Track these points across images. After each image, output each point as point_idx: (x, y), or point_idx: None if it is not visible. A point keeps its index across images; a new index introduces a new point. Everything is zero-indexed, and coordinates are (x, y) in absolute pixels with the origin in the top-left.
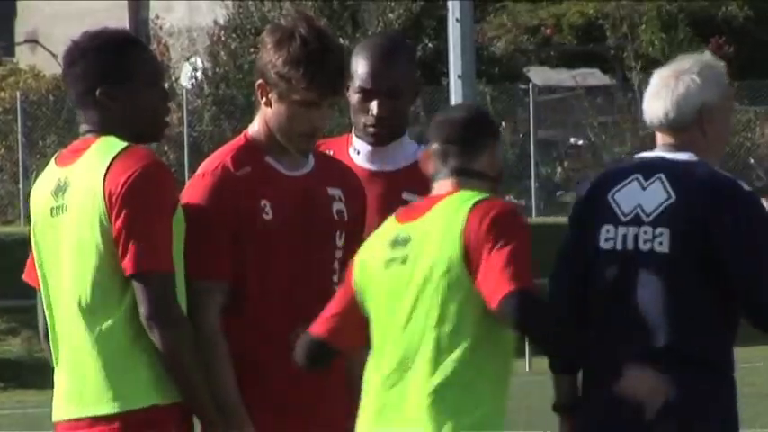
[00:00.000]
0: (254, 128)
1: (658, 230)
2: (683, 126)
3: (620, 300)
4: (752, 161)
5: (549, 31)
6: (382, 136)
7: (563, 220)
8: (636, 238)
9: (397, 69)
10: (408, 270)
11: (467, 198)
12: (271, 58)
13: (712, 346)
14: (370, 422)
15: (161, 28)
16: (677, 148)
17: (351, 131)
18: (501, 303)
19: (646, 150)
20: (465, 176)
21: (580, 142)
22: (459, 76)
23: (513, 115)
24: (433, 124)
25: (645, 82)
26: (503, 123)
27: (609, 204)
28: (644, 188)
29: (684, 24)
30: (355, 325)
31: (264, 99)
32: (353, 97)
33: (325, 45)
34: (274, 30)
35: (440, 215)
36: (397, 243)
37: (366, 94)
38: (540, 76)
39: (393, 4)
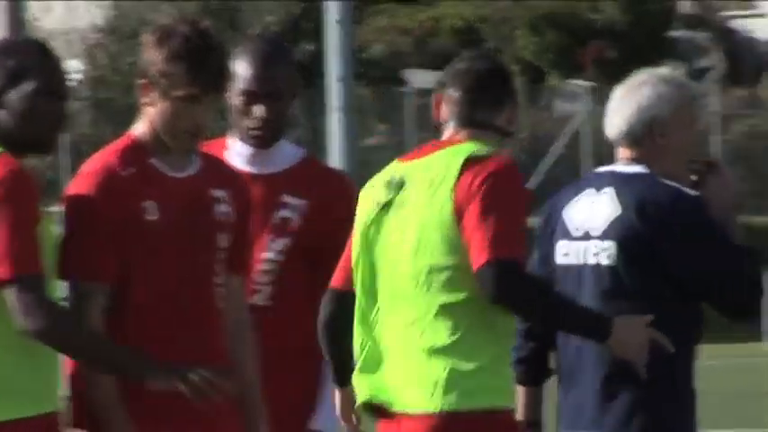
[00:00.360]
0: (139, 129)
1: (606, 243)
2: (635, 140)
3: None
4: None
5: (426, 33)
6: (265, 138)
7: None
8: (586, 251)
9: (280, 72)
10: (400, 218)
11: (465, 149)
12: (152, 56)
13: (661, 357)
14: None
15: (39, 29)
16: (632, 161)
17: (228, 134)
18: (478, 272)
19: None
20: (481, 128)
21: None
22: (338, 79)
23: (391, 118)
24: (457, 71)
25: (522, 85)
26: (381, 126)
27: (563, 220)
28: (594, 202)
29: (555, 29)
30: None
31: (147, 99)
32: (236, 100)
33: (206, 42)
34: (156, 29)
35: (437, 163)
36: (391, 185)
37: (249, 97)
38: (418, 78)
39: (272, 6)
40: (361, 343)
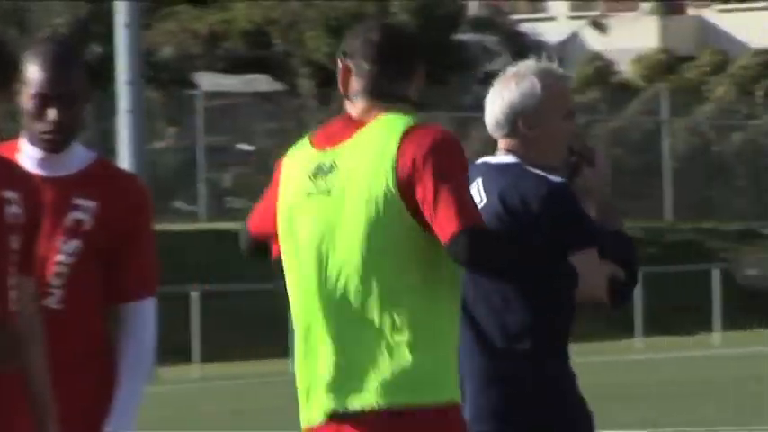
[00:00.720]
0: None
1: None
2: (505, 132)
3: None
4: None
5: (216, 36)
6: (57, 142)
7: (232, 225)
8: None
9: (72, 74)
10: (336, 204)
11: (397, 123)
12: None
13: (538, 340)
14: (305, 381)
15: None
16: (507, 152)
17: (20, 137)
18: (450, 243)
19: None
20: (395, 100)
21: (249, 148)
22: (127, 82)
23: (181, 121)
24: (360, 40)
25: (313, 88)
26: (170, 129)
27: None
28: None
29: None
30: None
31: None
32: (28, 103)
33: None
34: None
35: (368, 142)
36: (320, 172)
37: (42, 100)
38: (208, 81)
39: (60, 8)
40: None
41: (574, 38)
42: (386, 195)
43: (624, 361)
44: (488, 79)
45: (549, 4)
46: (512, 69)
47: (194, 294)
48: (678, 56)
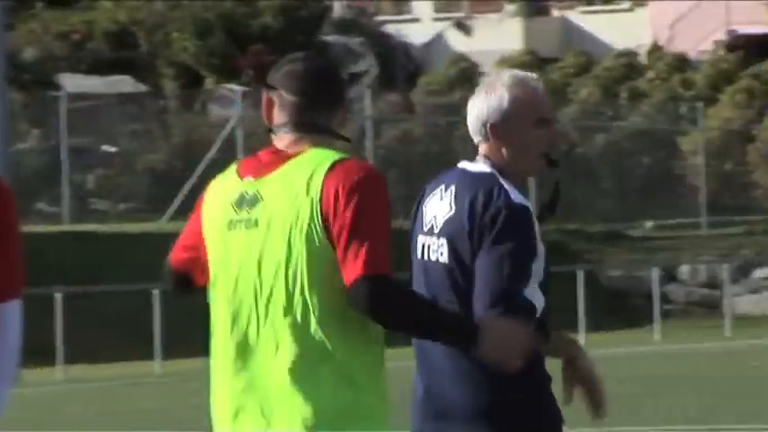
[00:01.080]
0: None
1: (441, 241)
2: (479, 139)
3: None
4: None
5: (78, 35)
6: None
7: (95, 227)
8: (430, 247)
9: None
10: (260, 236)
11: (324, 157)
12: None
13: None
14: (226, 413)
15: None
16: (483, 159)
17: None
18: (350, 288)
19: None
20: (320, 133)
21: (113, 149)
22: None
23: (44, 122)
24: (284, 72)
25: (177, 89)
26: (34, 131)
27: (421, 215)
28: (441, 198)
29: (221, 31)
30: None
31: None
32: None
33: None
34: None
35: (294, 174)
36: (244, 203)
37: None
38: (71, 82)
39: None
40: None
41: (438, 39)
42: (311, 229)
43: None
44: (352, 81)
45: (414, 5)
46: (489, 78)
47: (58, 296)
48: (542, 57)
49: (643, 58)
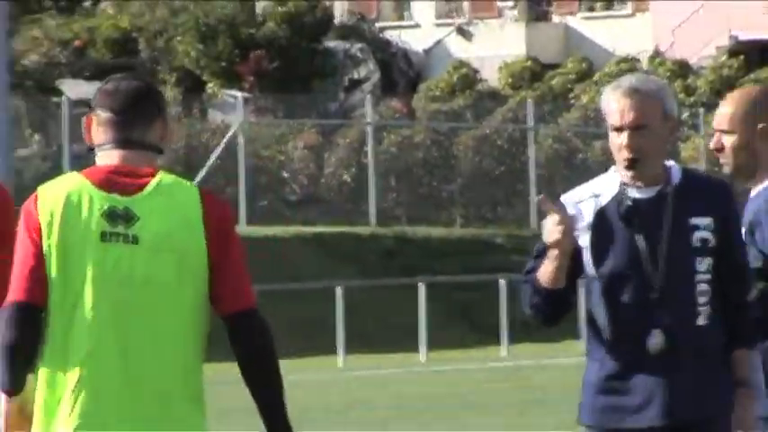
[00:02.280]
0: None
1: None
2: None
3: None
4: (285, 174)
5: (80, 42)
6: None
7: None
8: None
9: None
10: (142, 252)
11: (189, 185)
12: None
13: None
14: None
15: None
16: None
17: None
18: (237, 317)
19: None
20: (144, 149)
21: None
22: None
23: (46, 128)
24: (106, 92)
25: (179, 94)
26: (36, 136)
27: None
28: None
29: (225, 37)
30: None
31: None
32: None
33: None
34: None
35: (168, 196)
36: (117, 217)
37: None
38: (73, 88)
39: None
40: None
41: (439, 45)
42: (195, 253)
43: (488, 368)
44: (353, 87)
45: (414, 11)
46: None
47: None
48: (543, 63)
49: (644, 64)
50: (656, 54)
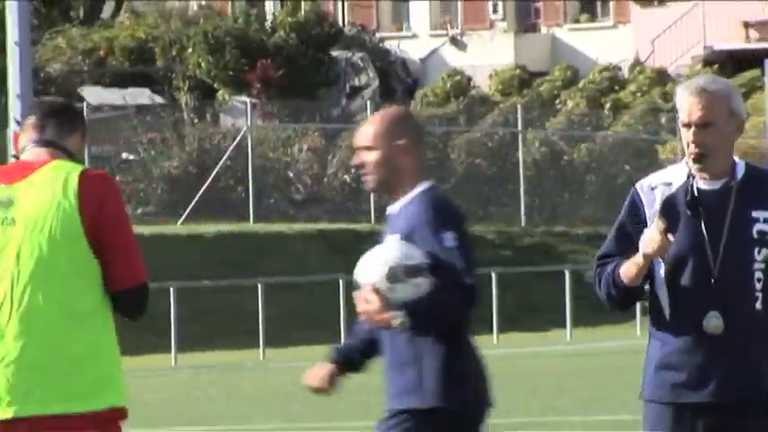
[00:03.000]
0: None
1: None
2: None
3: None
4: (291, 175)
5: (100, 52)
6: None
7: None
8: None
9: None
10: (20, 233)
11: (71, 166)
12: None
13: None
14: None
15: None
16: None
17: None
18: (125, 293)
19: None
20: (58, 150)
21: (131, 157)
22: (17, 96)
23: None
24: (35, 103)
25: (191, 101)
26: None
27: None
28: None
29: (231, 47)
30: None
31: None
32: None
33: None
34: None
35: (46, 180)
36: (1, 204)
37: None
38: (93, 95)
39: None
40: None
41: (434, 54)
42: (68, 227)
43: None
44: (354, 93)
45: (412, 22)
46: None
47: None
48: (531, 71)
49: (625, 73)
50: (637, 62)
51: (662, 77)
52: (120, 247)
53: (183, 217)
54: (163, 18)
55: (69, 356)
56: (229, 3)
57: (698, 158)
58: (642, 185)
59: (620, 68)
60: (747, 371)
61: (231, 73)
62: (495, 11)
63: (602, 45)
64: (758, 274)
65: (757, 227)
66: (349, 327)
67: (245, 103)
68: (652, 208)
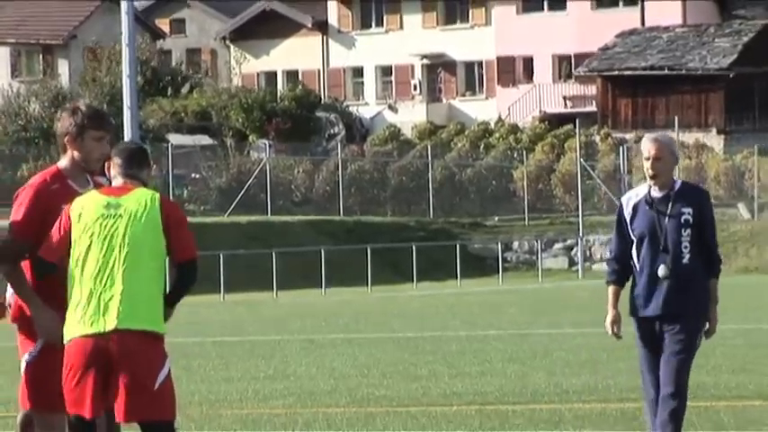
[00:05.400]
0: (63, 163)
1: None
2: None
3: None
4: (293, 186)
5: (180, 112)
6: None
7: (189, 219)
8: None
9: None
10: (125, 223)
11: (152, 192)
12: (69, 121)
13: None
14: (84, 323)
15: None
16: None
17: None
18: (186, 262)
19: None
20: (136, 180)
21: (197, 176)
22: (129, 140)
23: (159, 161)
24: (118, 150)
25: (233, 143)
26: (154, 166)
27: None
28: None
29: (257, 110)
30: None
31: (71, 146)
32: None
33: (96, 110)
34: (65, 108)
35: (139, 198)
36: (110, 206)
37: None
38: (175, 139)
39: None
40: (89, 295)
41: (379, 115)
42: (153, 222)
43: (405, 296)
44: (330, 138)
45: (366, 95)
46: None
47: None
48: (437, 125)
49: (492, 126)
50: (500, 120)
51: (514, 129)
52: (181, 236)
53: (228, 212)
54: (216, 93)
55: (150, 295)
56: (255, 83)
57: (653, 177)
58: (622, 200)
59: (489, 123)
60: (680, 297)
61: (257, 125)
62: (415, 89)
63: (478, 110)
64: (685, 243)
65: (684, 217)
66: (327, 278)
67: (265, 143)
68: (628, 207)
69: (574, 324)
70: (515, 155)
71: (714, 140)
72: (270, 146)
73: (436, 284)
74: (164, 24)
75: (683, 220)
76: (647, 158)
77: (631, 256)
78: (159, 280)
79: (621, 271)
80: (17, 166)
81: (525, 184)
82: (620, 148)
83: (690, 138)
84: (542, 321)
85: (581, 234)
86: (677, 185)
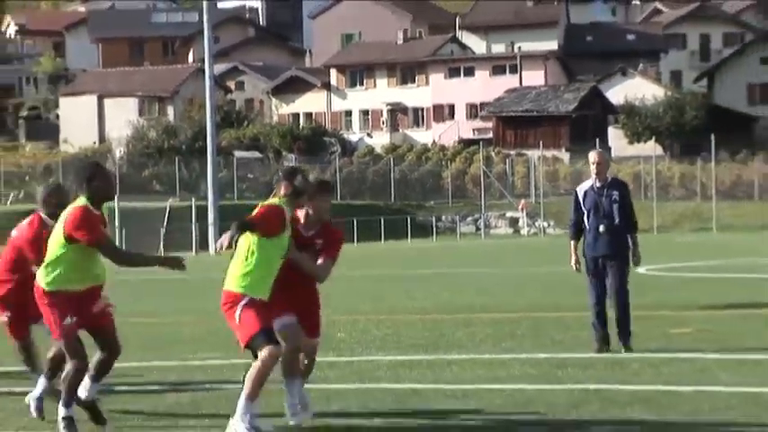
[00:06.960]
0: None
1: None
2: None
3: None
4: None
5: (240, 140)
6: None
7: (245, 203)
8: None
9: None
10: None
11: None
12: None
13: None
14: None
15: None
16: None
17: None
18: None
19: None
20: (295, 197)
21: (252, 176)
22: (211, 160)
23: (229, 170)
24: (284, 171)
25: (273, 157)
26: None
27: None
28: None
29: (287, 136)
30: None
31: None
32: None
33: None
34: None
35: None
36: None
37: None
38: (239, 154)
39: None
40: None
41: (361, 140)
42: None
43: (376, 248)
44: (331, 155)
45: (353, 127)
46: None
47: None
48: (397, 145)
49: (429, 146)
50: (434, 143)
51: (443, 148)
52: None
53: (269, 202)
54: (263, 126)
55: (240, 273)
56: (287, 120)
57: (597, 174)
58: (577, 189)
59: (427, 145)
60: (613, 243)
61: (287, 145)
62: (383, 124)
63: (421, 136)
64: (616, 211)
65: (614, 197)
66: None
67: (292, 157)
68: (581, 193)
69: (480, 265)
70: (443, 164)
71: (564, 156)
72: (295, 158)
73: (395, 242)
74: (231, 83)
75: (613, 199)
76: (593, 163)
77: (583, 221)
78: (248, 260)
79: (578, 231)
80: (141, 170)
81: (449, 181)
82: (507, 160)
83: (549, 153)
84: (460, 264)
85: (483, 212)
86: (609, 179)
